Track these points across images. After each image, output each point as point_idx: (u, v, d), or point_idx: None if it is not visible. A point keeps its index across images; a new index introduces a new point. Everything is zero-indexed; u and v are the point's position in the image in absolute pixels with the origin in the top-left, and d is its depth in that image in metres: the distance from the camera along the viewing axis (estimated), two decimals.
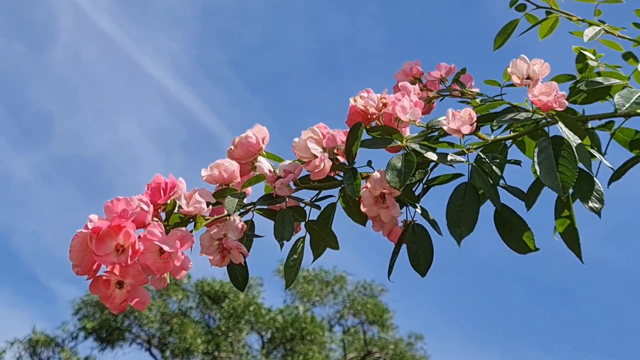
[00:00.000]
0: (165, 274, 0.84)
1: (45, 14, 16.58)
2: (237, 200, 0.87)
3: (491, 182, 0.92)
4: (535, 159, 0.90)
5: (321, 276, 12.63)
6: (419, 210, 0.95)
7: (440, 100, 1.12)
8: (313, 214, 0.94)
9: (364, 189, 0.91)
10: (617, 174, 1.01)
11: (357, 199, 0.92)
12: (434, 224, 0.94)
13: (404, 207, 0.95)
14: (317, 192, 0.94)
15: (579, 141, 0.92)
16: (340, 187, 0.94)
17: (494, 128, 0.97)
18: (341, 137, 0.92)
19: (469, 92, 1.09)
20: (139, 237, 0.80)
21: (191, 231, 0.84)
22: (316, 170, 0.89)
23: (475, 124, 0.93)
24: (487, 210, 0.95)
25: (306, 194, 0.94)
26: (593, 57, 1.12)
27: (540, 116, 0.95)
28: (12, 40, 16.42)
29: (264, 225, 0.93)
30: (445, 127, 0.93)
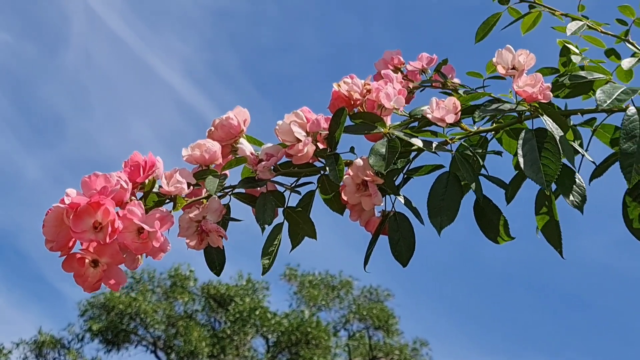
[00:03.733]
0: (140, 256, 0.82)
1: (58, 16, 16.65)
2: (218, 181, 0.85)
3: (473, 171, 0.92)
4: (519, 151, 0.89)
5: (327, 280, 12.64)
6: (401, 199, 0.94)
7: (421, 91, 1.11)
8: (291, 202, 0.92)
9: (347, 176, 0.90)
10: (598, 171, 1.00)
11: (338, 185, 0.91)
12: (416, 212, 0.94)
13: (383, 197, 0.94)
14: (295, 179, 0.92)
15: (562, 134, 0.91)
16: (319, 175, 0.93)
17: (476, 120, 0.96)
18: (324, 122, 0.90)
19: (451, 84, 1.08)
20: (118, 215, 0.77)
21: (170, 212, 0.83)
22: (299, 155, 0.88)
23: (459, 114, 0.93)
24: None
25: (284, 181, 0.92)
26: (577, 50, 1.12)
27: (524, 108, 0.94)
28: (25, 42, 16.49)
29: (240, 213, 0.92)
30: (429, 116, 0.92)
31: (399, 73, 1.11)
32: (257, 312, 11.46)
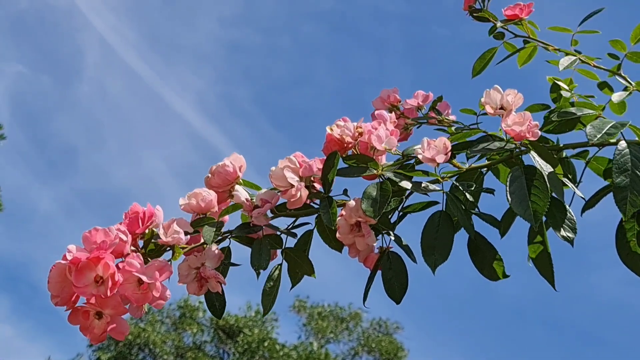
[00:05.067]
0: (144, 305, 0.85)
1: (73, 49, 16.85)
2: (214, 229, 0.88)
3: (465, 209, 0.94)
4: (508, 189, 0.91)
5: (336, 312, 12.63)
6: (392, 238, 0.97)
7: (418, 127, 1.14)
8: (290, 242, 0.95)
9: (340, 217, 0.92)
10: (590, 203, 1.01)
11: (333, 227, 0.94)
12: (407, 250, 0.96)
13: (380, 234, 0.97)
14: (293, 219, 0.95)
15: (551, 169, 0.93)
16: (316, 214, 0.96)
17: (469, 156, 0.98)
18: (318, 165, 0.93)
19: (446, 120, 1.10)
20: (118, 267, 0.81)
21: (169, 260, 0.86)
22: (293, 200, 0.90)
23: (449, 153, 0.95)
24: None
25: (283, 221, 0.95)
26: (567, 87, 1.14)
27: (513, 145, 0.96)
28: (40, 74, 16.68)
29: (241, 252, 0.94)
30: (420, 156, 0.95)
31: (396, 110, 1.14)
32: (266, 344, 11.45)
